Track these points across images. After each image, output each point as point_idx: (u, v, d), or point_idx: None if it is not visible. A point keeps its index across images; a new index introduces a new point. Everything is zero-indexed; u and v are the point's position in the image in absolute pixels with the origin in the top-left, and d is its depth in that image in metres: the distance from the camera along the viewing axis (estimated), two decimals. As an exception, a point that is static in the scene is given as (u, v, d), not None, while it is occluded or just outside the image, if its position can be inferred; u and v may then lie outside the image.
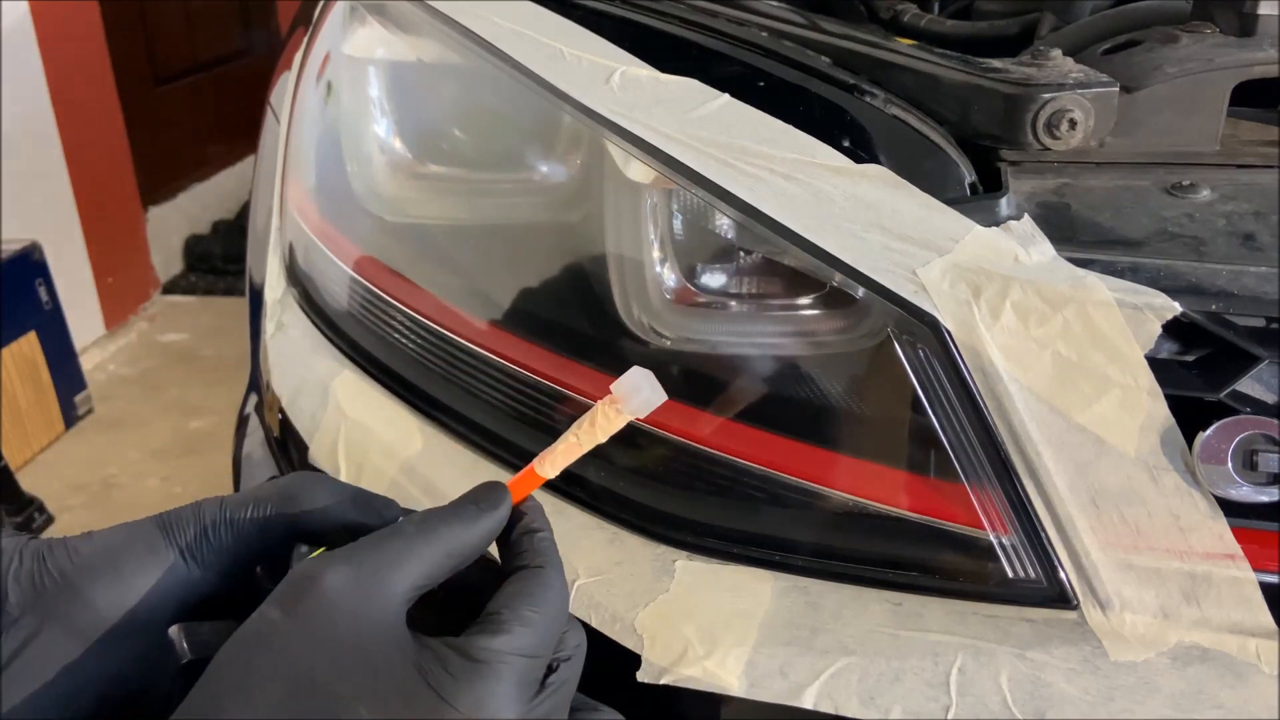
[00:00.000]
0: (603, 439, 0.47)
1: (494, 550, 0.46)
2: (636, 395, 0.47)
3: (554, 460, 0.48)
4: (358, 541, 0.42)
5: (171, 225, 3.16)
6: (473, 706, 0.38)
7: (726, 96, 0.62)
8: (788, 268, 0.59)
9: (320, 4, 0.90)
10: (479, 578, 0.44)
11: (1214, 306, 0.53)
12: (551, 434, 0.64)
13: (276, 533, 0.46)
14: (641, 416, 0.47)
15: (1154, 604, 0.54)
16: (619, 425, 0.47)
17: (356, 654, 0.38)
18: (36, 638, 0.42)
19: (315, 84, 0.85)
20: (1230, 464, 0.53)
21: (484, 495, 0.45)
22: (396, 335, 0.72)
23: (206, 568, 0.45)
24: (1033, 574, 0.56)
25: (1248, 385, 0.54)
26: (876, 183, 0.58)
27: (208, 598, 0.45)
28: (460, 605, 0.43)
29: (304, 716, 0.37)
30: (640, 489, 0.62)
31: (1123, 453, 0.54)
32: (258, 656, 0.38)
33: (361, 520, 0.46)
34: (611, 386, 0.47)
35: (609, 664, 0.57)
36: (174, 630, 0.42)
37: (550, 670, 0.42)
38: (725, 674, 0.55)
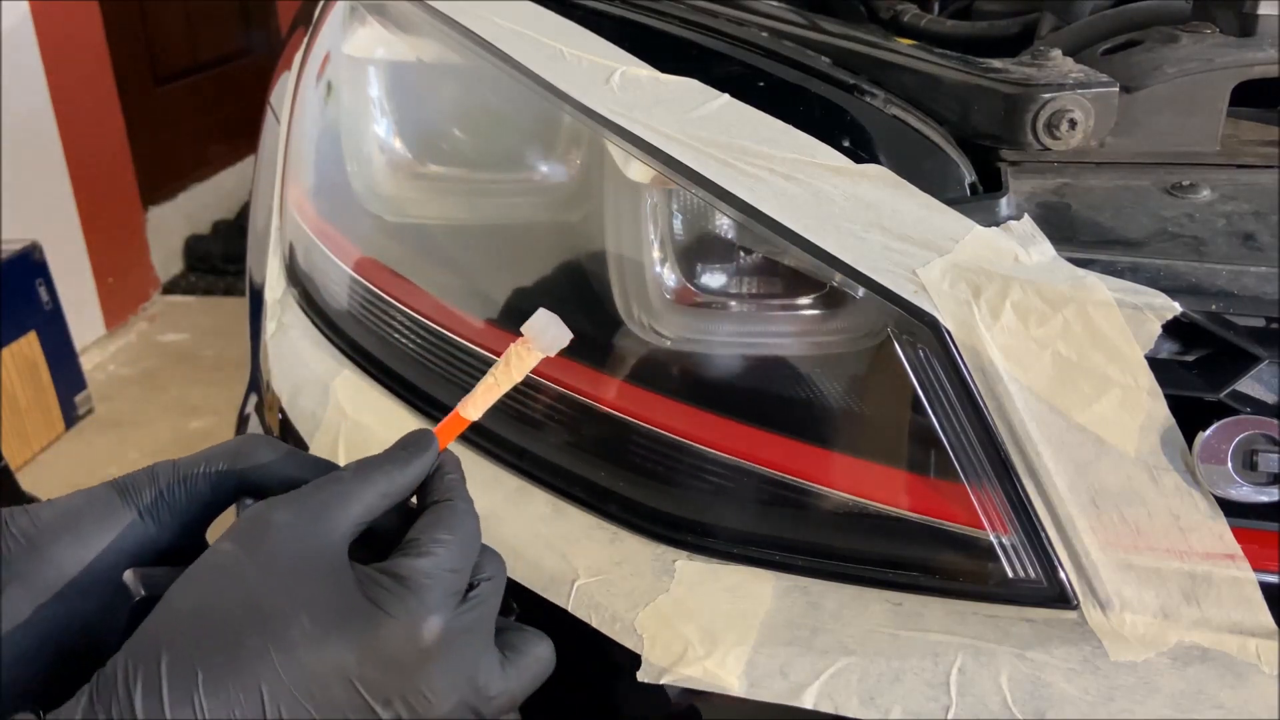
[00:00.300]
0: (518, 378, 0.53)
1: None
2: (545, 334, 0.52)
3: (475, 402, 0.53)
4: (302, 487, 0.46)
5: (171, 225, 3.16)
6: (404, 614, 0.43)
7: (726, 96, 0.62)
8: (788, 268, 0.59)
9: (320, 4, 0.90)
10: (402, 522, 0.49)
11: (1214, 306, 0.53)
12: (551, 432, 0.65)
13: (227, 488, 0.50)
14: (552, 354, 0.52)
15: (1154, 604, 0.54)
16: (532, 364, 0.52)
17: (302, 576, 0.43)
18: (0, 597, 0.44)
19: (315, 84, 0.85)
20: (1230, 464, 0.53)
21: (413, 441, 0.50)
22: (396, 335, 0.72)
23: (162, 526, 0.48)
24: (1033, 574, 0.56)
25: (1248, 385, 0.54)
26: (876, 183, 0.58)
27: (163, 552, 0.48)
28: (389, 544, 0.47)
29: (250, 629, 0.41)
30: (641, 489, 0.62)
31: (1123, 453, 0.54)
32: (211, 584, 0.42)
33: (302, 475, 0.49)
34: (522, 328, 0.52)
35: (608, 664, 0.57)
36: (128, 574, 0.45)
37: (472, 587, 0.47)
38: (725, 674, 0.55)
